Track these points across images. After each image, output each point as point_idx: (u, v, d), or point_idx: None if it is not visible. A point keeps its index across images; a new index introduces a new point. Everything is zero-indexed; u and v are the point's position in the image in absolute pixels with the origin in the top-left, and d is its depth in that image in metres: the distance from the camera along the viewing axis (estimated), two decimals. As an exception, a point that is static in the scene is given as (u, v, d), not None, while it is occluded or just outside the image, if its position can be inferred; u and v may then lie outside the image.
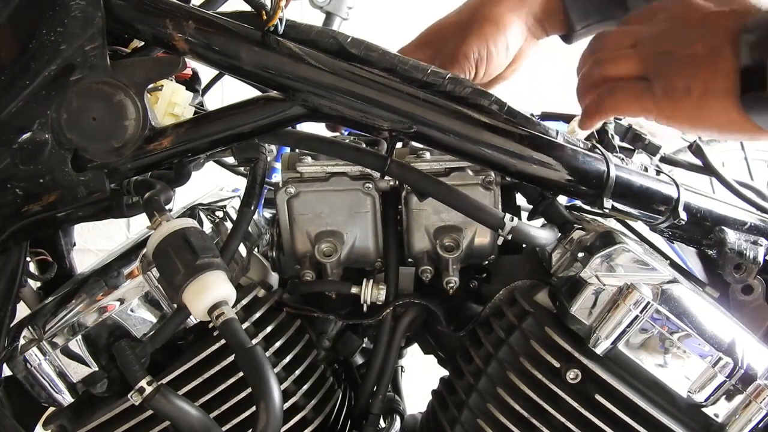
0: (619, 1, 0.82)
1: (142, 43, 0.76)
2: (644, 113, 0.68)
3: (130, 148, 0.69)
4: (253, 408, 0.67)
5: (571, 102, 0.77)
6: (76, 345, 0.77)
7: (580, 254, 0.76)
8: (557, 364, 0.74)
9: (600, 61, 0.70)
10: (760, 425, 0.72)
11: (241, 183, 0.84)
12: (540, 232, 0.77)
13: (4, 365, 0.76)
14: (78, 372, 0.77)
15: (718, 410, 0.72)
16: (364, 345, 0.96)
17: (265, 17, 0.68)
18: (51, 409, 0.83)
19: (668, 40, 0.65)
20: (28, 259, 0.85)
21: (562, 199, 0.84)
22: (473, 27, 0.85)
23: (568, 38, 0.89)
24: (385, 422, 0.95)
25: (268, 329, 0.82)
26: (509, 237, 0.75)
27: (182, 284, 0.67)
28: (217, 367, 0.78)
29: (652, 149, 0.89)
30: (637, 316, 0.71)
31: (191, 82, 0.84)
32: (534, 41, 0.90)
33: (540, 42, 0.91)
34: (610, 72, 0.69)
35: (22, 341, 0.77)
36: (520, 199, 0.90)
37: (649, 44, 0.66)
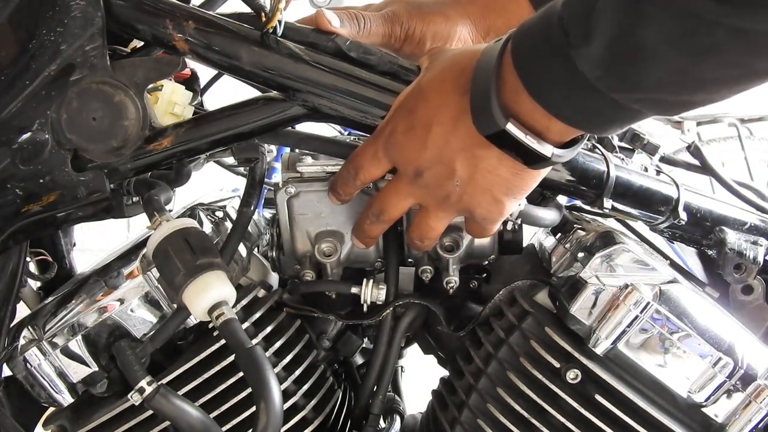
0: None
1: (142, 43, 0.76)
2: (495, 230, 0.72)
3: (130, 148, 0.69)
4: (253, 408, 0.67)
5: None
6: (76, 345, 0.77)
7: (580, 254, 0.76)
8: (557, 364, 0.74)
9: (421, 240, 0.73)
10: (760, 425, 0.72)
11: (241, 183, 0.84)
12: (546, 212, 0.78)
13: (4, 365, 0.76)
14: (78, 372, 0.77)
15: (718, 410, 0.72)
16: (364, 345, 0.96)
17: (264, 19, 0.68)
18: (51, 409, 0.83)
19: (435, 182, 0.66)
20: (28, 259, 0.85)
21: (562, 200, 0.84)
22: (430, 7, 0.82)
23: None
24: (385, 422, 0.94)
25: (268, 329, 0.82)
26: (518, 221, 0.76)
27: (182, 284, 0.67)
28: (217, 367, 0.78)
29: (651, 149, 0.89)
30: (637, 316, 0.71)
31: (190, 82, 0.84)
32: None
33: None
34: (434, 236, 0.73)
35: (22, 341, 0.77)
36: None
37: (428, 194, 0.68)
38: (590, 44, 0.52)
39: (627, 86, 0.53)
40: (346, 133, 1.59)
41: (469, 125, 0.62)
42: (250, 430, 0.65)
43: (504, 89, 0.59)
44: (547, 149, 0.60)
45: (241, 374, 0.78)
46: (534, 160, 0.61)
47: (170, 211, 0.79)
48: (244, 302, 0.82)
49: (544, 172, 0.65)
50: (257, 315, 0.82)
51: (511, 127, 0.59)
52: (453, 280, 0.84)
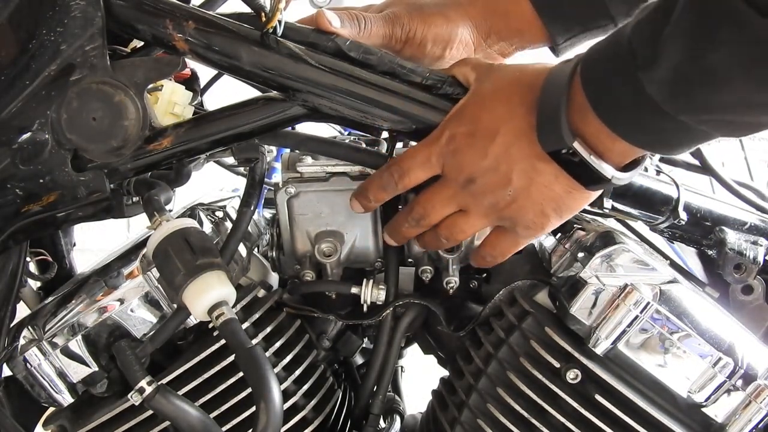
0: (603, 12, 0.81)
1: (142, 43, 0.76)
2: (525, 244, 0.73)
3: (130, 148, 0.69)
4: (253, 408, 0.67)
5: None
6: (76, 345, 0.77)
7: (580, 254, 0.76)
8: (557, 364, 0.74)
9: (447, 239, 0.74)
10: (760, 425, 0.72)
11: (241, 183, 0.84)
12: None
13: (4, 365, 0.76)
14: (78, 372, 0.77)
15: (718, 410, 0.72)
16: (364, 345, 0.96)
17: (264, 19, 0.68)
18: (51, 409, 0.83)
19: (487, 189, 0.67)
20: (28, 259, 0.85)
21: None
22: (431, 9, 0.82)
23: (553, 51, 0.87)
24: (385, 422, 0.95)
25: (268, 329, 0.82)
26: None
27: (182, 284, 0.67)
28: (217, 367, 0.78)
29: (651, 149, 0.89)
30: (637, 316, 0.71)
31: (190, 82, 0.84)
32: (495, 59, 0.87)
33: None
34: (461, 238, 0.73)
35: (22, 341, 0.77)
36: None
37: (475, 201, 0.69)
38: (658, 67, 0.54)
39: (694, 108, 0.55)
40: (346, 133, 1.59)
41: (532, 139, 0.64)
42: (250, 430, 0.65)
43: (572, 108, 0.61)
44: (607, 170, 0.62)
45: (241, 374, 0.78)
46: (593, 180, 0.63)
47: (170, 211, 0.79)
48: (244, 302, 0.82)
49: (594, 195, 0.67)
50: (257, 315, 0.82)
51: (577, 146, 0.61)
52: (453, 280, 0.84)
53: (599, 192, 0.67)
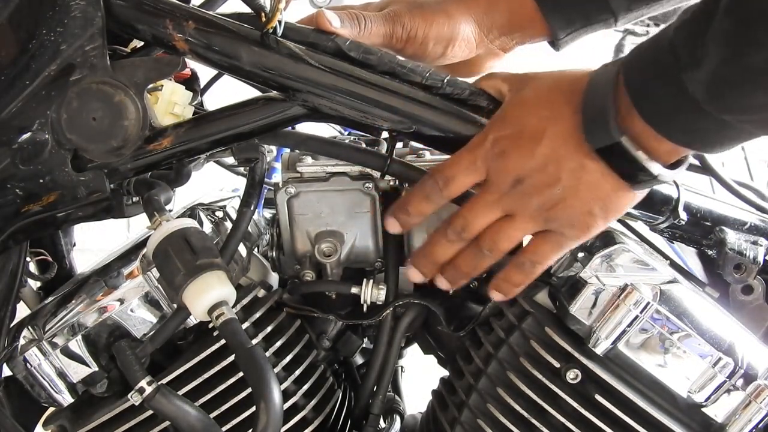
0: (603, 6, 0.81)
1: (142, 43, 0.76)
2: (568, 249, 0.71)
3: (130, 148, 0.69)
4: (253, 408, 0.67)
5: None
6: (76, 345, 0.77)
7: (580, 254, 0.76)
8: (557, 364, 0.74)
9: (490, 249, 0.71)
10: (760, 425, 0.72)
11: (241, 183, 0.84)
12: None
13: (4, 365, 0.76)
14: (78, 372, 0.77)
15: (718, 410, 0.72)
16: (364, 345, 0.96)
17: (264, 19, 0.68)
18: (51, 409, 0.83)
19: (535, 190, 0.66)
20: (28, 259, 0.85)
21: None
22: (431, 7, 0.81)
23: (553, 45, 0.87)
24: (385, 422, 0.94)
25: (268, 329, 0.82)
26: None
27: (182, 284, 0.67)
28: (217, 367, 0.78)
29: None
30: (637, 316, 0.71)
31: (190, 82, 0.84)
32: (497, 54, 0.87)
33: (509, 54, 0.89)
34: (507, 246, 0.71)
35: (22, 341, 0.77)
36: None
37: (523, 203, 0.68)
38: (700, 68, 0.55)
39: (736, 108, 0.56)
40: (346, 133, 1.59)
41: (579, 139, 0.64)
42: (250, 430, 0.65)
43: (617, 109, 0.62)
44: (654, 168, 0.62)
45: (241, 374, 0.78)
46: (639, 178, 0.63)
47: (170, 211, 0.79)
48: (244, 302, 0.82)
49: (640, 196, 0.67)
50: (257, 315, 0.82)
51: (625, 141, 0.61)
52: (453, 280, 0.84)
53: (645, 192, 0.66)
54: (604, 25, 0.83)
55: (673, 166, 0.65)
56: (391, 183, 0.85)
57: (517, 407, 0.76)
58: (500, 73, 0.76)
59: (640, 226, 0.86)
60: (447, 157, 0.83)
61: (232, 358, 0.78)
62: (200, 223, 0.80)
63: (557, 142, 0.65)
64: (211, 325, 0.79)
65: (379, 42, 0.78)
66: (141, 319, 0.77)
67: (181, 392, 0.76)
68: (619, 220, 0.88)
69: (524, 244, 0.72)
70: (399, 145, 0.90)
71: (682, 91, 0.57)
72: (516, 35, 0.85)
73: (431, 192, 0.71)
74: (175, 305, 0.75)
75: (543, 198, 0.67)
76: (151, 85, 0.71)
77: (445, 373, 0.93)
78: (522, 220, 0.69)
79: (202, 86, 0.87)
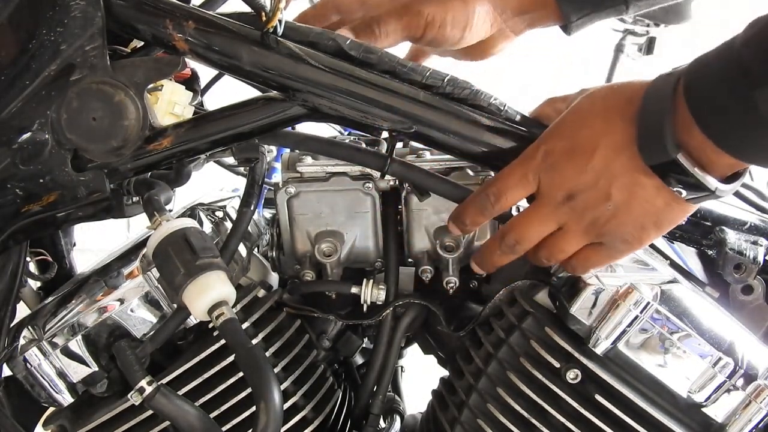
0: None
1: (142, 43, 0.76)
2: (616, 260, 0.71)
3: (130, 148, 0.69)
4: (253, 408, 0.67)
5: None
6: (76, 345, 0.77)
7: (580, 254, 0.76)
8: (557, 364, 0.75)
9: (548, 260, 0.71)
10: (760, 425, 0.72)
11: (241, 183, 0.84)
12: None
13: (4, 365, 0.76)
14: (78, 372, 0.78)
15: (718, 410, 0.72)
16: (364, 345, 0.96)
17: (264, 19, 0.68)
18: (51, 409, 0.83)
19: (587, 205, 0.65)
20: (28, 259, 0.85)
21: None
22: None
23: (565, 29, 0.87)
24: (385, 422, 0.95)
25: (268, 329, 0.82)
26: None
27: (182, 284, 0.67)
28: (217, 367, 0.78)
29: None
30: (637, 316, 0.71)
31: (190, 82, 0.84)
32: (508, 36, 0.87)
33: (522, 36, 0.89)
34: (561, 258, 0.71)
35: (22, 341, 0.77)
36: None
37: (575, 218, 0.67)
38: None
39: None
40: (346, 133, 1.59)
41: (633, 153, 0.62)
42: (250, 430, 0.65)
43: (675, 121, 0.60)
44: (711, 183, 0.61)
45: (241, 374, 0.78)
46: (695, 192, 0.62)
47: (170, 211, 0.79)
48: (244, 302, 0.82)
49: (694, 208, 0.65)
50: (257, 315, 0.82)
51: (681, 158, 0.60)
52: (453, 280, 0.84)
53: (700, 204, 0.65)
54: (615, 11, 0.82)
55: (730, 178, 0.63)
56: (391, 183, 0.85)
57: (517, 407, 0.76)
58: (559, 96, 0.75)
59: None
60: (448, 157, 0.83)
61: (232, 358, 0.78)
62: (200, 223, 0.80)
63: (610, 156, 0.64)
64: (211, 325, 0.79)
65: (399, 37, 0.78)
66: (141, 319, 0.77)
67: (181, 392, 0.76)
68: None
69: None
70: (399, 145, 0.90)
71: (751, 108, 0.55)
72: (527, 17, 0.85)
73: (484, 207, 0.71)
74: (175, 305, 0.75)
75: (595, 214, 0.66)
76: (151, 85, 0.71)
77: (445, 373, 0.93)
78: (575, 235, 0.68)
79: (202, 86, 0.87)
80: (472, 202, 0.73)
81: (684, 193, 0.62)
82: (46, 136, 0.68)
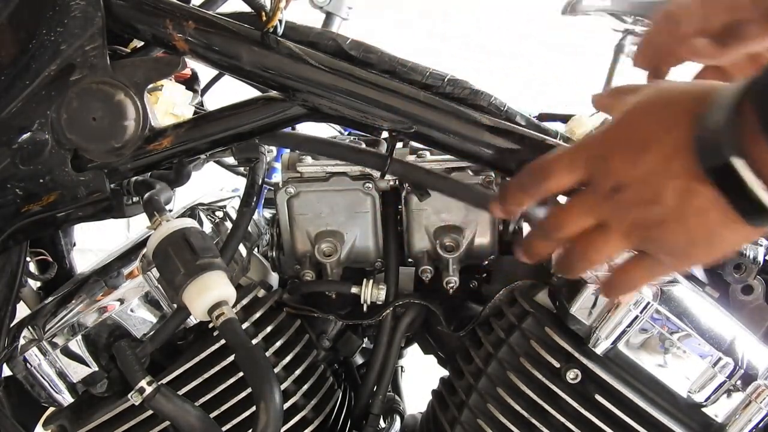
0: None
1: (142, 43, 0.76)
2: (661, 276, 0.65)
3: (130, 148, 0.70)
4: (253, 408, 0.67)
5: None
6: (76, 345, 0.77)
7: (580, 254, 0.76)
8: (557, 364, 0.74)
9: (581, 251, 0.65)
10: (760, 425, 0.72)
11: (241, 183, 0.84)
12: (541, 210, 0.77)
13: (4, 365, 0.76)
14: (78, 372, 0.78)
15: (718, 410, 0.72)
16: (364, 345, 0.96)
17: (264, 18, 0.68)
18: (51, 409, 0.83)
19: (633, 202, 0.60)
20: (28, 259, 0.85)
21: (562, 199, 0.84)
22: None
23: None
24: (385, 422, 0.95)
25: (268, 329, 0.82)
26: (520, 222, 0.76)
27: (182, 284, 0.67)
28: (217, 367, 0.78)
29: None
30: (637, 316, 0.71)
31: (191, 82, 0.84)
32: None
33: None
34: (596, 259, 0.64)
35: (22, 341, 0.77)
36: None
37: (619, 214, 0.61)
38: None
39: None
40: (346, 133, 1.59)
41: (691, 155, 0.57)
42: (250, 430, 0.65)
43: (739, 127, 0.54)
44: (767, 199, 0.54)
45: (241, 374, 0.78)
46: (753, 210, 0.55)
47: (170, 211, 0.79)
48: (244, 302, 0.82)
49: (756, 234, 0.58)
50: (257, 315, 0.82)
51: (737, 163, 0.54)
52: (453, 280, 0.84)
53: (763, 230, 0.57)
54: None
55: None
56: (391, 183, 0.85)
57: (517, 407, 0.76)
58: (627, 86, 0.69)
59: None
60: (448, 157, 0.83)
61: (232, 358, 0.78)
62: (200, 223, 0.80)
63: (668, 153, 0.58)
64: (211, 325, 0.79)
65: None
66: (141, 319, 0.77)
67: (181, 392, 0.76)
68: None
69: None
70: (399, 145, 0.90)
71: None
72: None
73: (528, 183, 0.66)
74: (175, 305, 0.75)
75: (641, 213, 0.60)
76: (151, 85, 0.71)
77: (445, 373, 0.93)
78: (616, 235, 0.62)
79: (202, 86, 0.87)
80: (517, 179, 0.67)
81: (741, 209, 0.55)
82: (46, 136, 0.68)
